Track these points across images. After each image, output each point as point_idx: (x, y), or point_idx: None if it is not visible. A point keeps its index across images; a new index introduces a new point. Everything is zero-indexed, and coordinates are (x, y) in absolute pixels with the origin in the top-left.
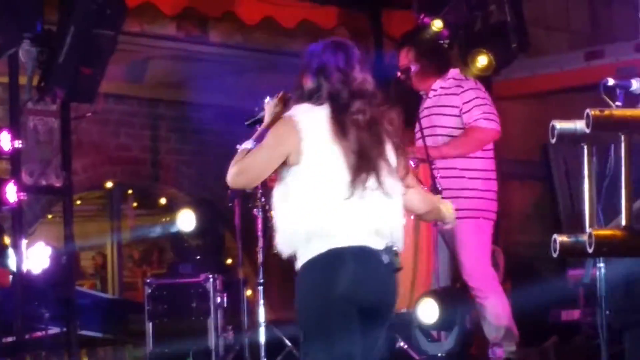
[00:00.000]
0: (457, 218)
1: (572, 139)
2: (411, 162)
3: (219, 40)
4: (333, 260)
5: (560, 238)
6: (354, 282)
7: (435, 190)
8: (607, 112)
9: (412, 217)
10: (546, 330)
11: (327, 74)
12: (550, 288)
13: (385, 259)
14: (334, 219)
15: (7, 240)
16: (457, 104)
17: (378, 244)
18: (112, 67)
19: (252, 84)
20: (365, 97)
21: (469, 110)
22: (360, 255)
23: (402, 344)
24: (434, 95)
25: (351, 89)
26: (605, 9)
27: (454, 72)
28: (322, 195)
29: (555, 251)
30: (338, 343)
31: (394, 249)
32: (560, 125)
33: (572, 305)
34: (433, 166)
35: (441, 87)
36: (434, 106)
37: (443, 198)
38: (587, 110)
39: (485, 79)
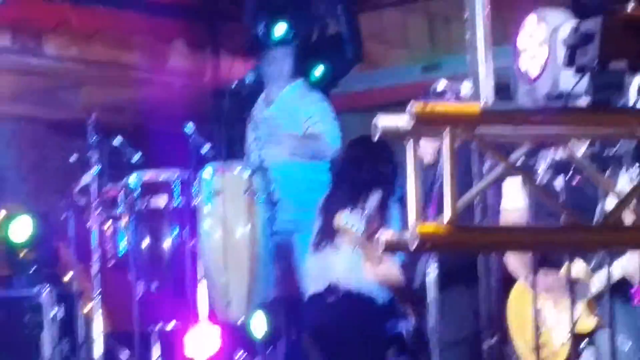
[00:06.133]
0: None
1: (396, 135)
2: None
3: (54, 53)
4: None
5: (384, 236)
6: None
7: None
8: (429, 106)
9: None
10: None
11: None
12: None
13: None
14: None
15: None
16: (302, 116)
17: None
18: None
19: (91, 99)
20: None
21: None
22: None
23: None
24: (279, 105)
25: None
26: (444, 26)
27: (298, 81)
28: None
29: (380, 248)
30: None
31: None
32: (382, 121)
33: None
34: None
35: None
36: (278, 115)
37: None
38: (409, 105)
39: (324, 91)
